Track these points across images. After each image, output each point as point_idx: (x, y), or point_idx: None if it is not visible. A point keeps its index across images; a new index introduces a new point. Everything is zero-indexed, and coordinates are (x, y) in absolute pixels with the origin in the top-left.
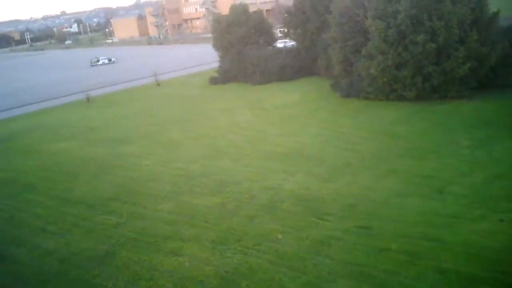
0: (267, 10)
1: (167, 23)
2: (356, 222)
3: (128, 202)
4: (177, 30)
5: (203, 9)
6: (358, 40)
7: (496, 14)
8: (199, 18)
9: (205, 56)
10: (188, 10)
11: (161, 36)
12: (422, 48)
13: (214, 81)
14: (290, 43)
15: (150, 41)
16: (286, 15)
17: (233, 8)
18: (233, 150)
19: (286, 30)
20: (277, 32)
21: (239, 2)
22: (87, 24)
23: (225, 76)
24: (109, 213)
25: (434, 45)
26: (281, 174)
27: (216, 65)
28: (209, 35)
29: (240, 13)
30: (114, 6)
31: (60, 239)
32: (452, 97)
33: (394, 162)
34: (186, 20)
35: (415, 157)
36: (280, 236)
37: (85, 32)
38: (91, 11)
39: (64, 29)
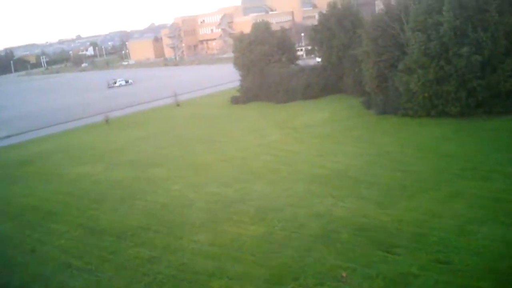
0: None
1: (183, 44)
2: (431, 255)
3: (161, 232)
4: (193, 51)
5: (219, 30)
6: (393, 54)
7: None
8: (215, 39)
9: (222, 76)
10: (204, 31)
11: (177, 58)
12: (466, 61)
13: (235, 100)
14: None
15: (166, 63)
16: (312, 31)
17: (256, 26)
18: (269, 172)
19: (310, 47)
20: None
21: (260, 21)
22: (102, 47)
23: (246, 95)
24: (140, 245)
25: (479, 57)
26: (328, 199)
27: (234, 85)
28: (225, 55)
29: (262, 31)
30: (128, 30)
31: (88, 276)
32: (498, 112)
33: (455, 184)
34: (202, 41)
35: (477, 178)
36: (344, 274)
37: (101, 55)
38: (106, 35)
39: (80, 52)
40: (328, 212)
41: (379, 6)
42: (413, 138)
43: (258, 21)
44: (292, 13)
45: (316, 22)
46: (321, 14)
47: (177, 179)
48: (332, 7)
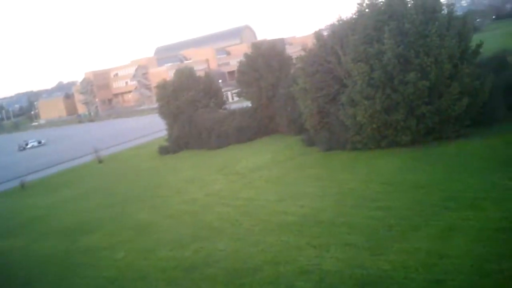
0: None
1: (97, 99)
2: None
3: None
4: (107, 106)
5: (134, 82)
6: (333, 88)
7: (479, 46)
8: (130, 91)
9: (145, 128)
10: (118, 85)
11: (92, 113)
12: (413, 87)
13: (165, 150)
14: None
15: (80, 119)
16: (239, 74)
17: (179, 72)
18: (229, 226)
19: (238, 90)
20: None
21: (180, 68)
22: (9, 109)
23: (176, 144)
24: None
25: (426, 83)
26: (310, 250)
27: (160, 135)
28: (143, 107)
29: (186, 77)
30: (35, 90)
31: None
32: (448, 137)
33: (444, 217)
34: (116, 95)
35: (465, 208)
36: None
37: (8, 118)
38: (12, 96)
39: None
40: (316, 267)
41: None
42: (373, 172)
43: (173, 71)
44: (207, 61)
45: (231, 69)
46: (246, 56)
47: (121, 245)
48: (257, 47)
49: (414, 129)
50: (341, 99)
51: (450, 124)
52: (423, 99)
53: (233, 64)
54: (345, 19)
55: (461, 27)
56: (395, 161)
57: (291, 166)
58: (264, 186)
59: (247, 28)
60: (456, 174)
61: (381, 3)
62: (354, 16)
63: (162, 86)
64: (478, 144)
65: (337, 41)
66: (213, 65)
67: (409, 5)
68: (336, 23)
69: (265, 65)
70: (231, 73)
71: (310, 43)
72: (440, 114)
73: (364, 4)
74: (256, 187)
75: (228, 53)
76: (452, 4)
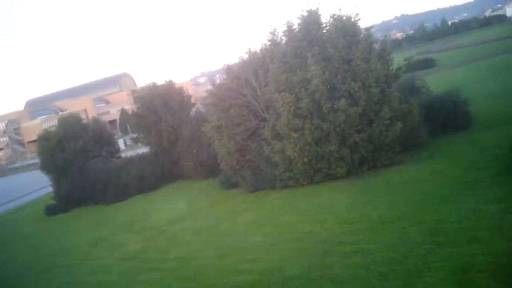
0: None
1: None
2: None
3: None
4: None
5: (5, 138)
6: (251, 122)
7: (400, 69)
8: (1, 148)
9: (22, 187)
10: None
11: None
12: (344, 115)
13: (52, 210)
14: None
15: None
16: (135, 118)
17: (63, 120)
18: None
19: (135, 136)
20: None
21: (64, 116)
22: None
23: (66, 201)
24: None
25: (358, 109)
26: None
27: (43, 192)
28: (17, 164)
29: (72, 125)
30: None
31: None
32: (383, 165)
33: (445, 255)
34: None
35: (463, 241)
36: None
37: None
38: None
39: None
40: None
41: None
42: (321, 211)
43: (49, 123)
44: (86, 111)
45: (112, 118)
46: (141, 98)
47: None
48: (153, 88)
49: (349, 160)
50: (263, 133)
51: (383, 151)
52: (355, 127)
53: (114, 112)
54: (258, 49)
55: (380, 50)
56: (340, 195)
57: (219, 213)
58: (196, 240)
59: (126, 75)
60: (421, 203)
61: (297, 29)
62: (267, 45)
63: (45, 138)
64: (421, 170)
65: (251, 72)
66: (92, 115)
67: (327, 29)
68: (246, 55)
69: (164, 107)
70: (112, 122)
71: (190, 88)
72: (373, 141)
73: (276, 33)
74: (186, 243)
75: (107, 102)
76: (371, 27)
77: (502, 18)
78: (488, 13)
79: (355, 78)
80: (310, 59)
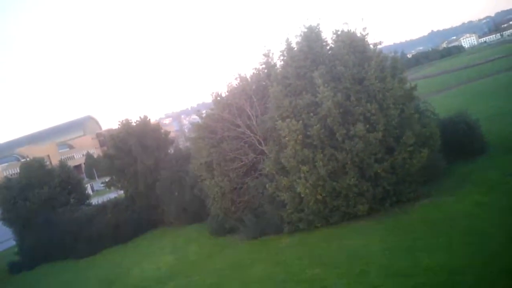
0: None
1: None
2: None
3: None
4: None
5: None
6: (248, 157)
7: (413, 88)
8: None
9: None
10: None
11: None
12: (363, 142)
13: (16, 267)
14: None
15: None
16: (106, 160)
17: (26, 166)
18: None
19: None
20: None
21: (27, 161)
22: None
23: (31, 257)
24: None
25: (378, 135)
26: None
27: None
28: None
29: (36, 170)
30: None
31: None
32: (407, 199)
33: None
34: None
35: None
36: None
37: None
38: None
39: None
40: None
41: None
42: (352, 260)
43: (10, 171)
44: (49, 156)
45: (76, 163)
46: (114, 137)
47: None
48: (127, 126)
49: (370, 195)
50: (263, 168)
51: (406, 183)
52: (375, 156)
53: (78, 157)
54: (250, 74)
55: (392, 68)
56: (370, 239)
57: (220, 266)
58: None
59: (90, 118)
60: (487, 245)
61: (297, 48)
62: (261, 68)
63: (5, 187)
64: (460, 203)
65: (244, 100)
66: (56, 161)
67: (334, 45)
68: (237, 81)
69: (140, 146)
70: (77, 167)
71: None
72: (396, 172)
73: (271, 54)
74: None
75: (71, 147)
76: (379, 42)
77: (460, 49)
78: (445, 44)
79: (370, 99)
80: (318, 80)
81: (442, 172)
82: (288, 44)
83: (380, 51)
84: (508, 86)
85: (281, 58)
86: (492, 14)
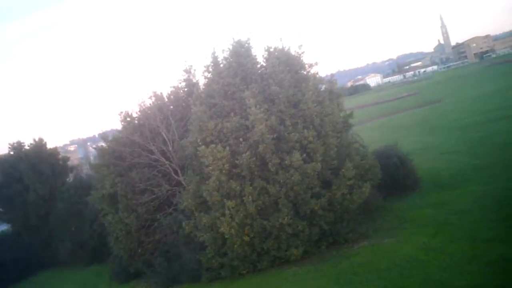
0: None
1: None
2: None
3: None
4: None
5: None
6: (162, 189)
7: (350, 115)
8: None
9: None
10: None
11: None
12: (299, 174)
13: None
14: None
15: None
16: None
17: None
18: None
19: None
20: None
21: None
22: None
23: None
24: None
25: (318, 166)
26: None
27: None
28: None
29: None
30: None
31: None
32: (345, 240)
33: None
34: None
35: None
36: None
37: None
38: None
39: None
40: None
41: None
42: None
43: None
44: None
45: None
46: (2, 162)
47: None
48: (18, 149)
49: (305, 236)
50: (179, 203)
51: (344, 221)
52: (312, 190)
53: None
54: (171, 90)
55: (328, 91)
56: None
57: None
58: None
59: None
60: None
61: (225, 64)
62: (181, 85)
63: None
64: (406, 246)
65: (159, 122)
66: None
67: (268, 62)
68: (151, 100)
69: (33, 172)
70: None
71: None
72: (334, 209)
73: (192, 71)
74: None
75: None
76: (316, 63)
77: (367, 87)
78: (350, 83)
79: (307, 124)
80: (250, 100)
81: (375, 209)
82: (214, 58)
83: (317, 72)
84: (423, 122)
85: (206, 74)
86: (395, 57)
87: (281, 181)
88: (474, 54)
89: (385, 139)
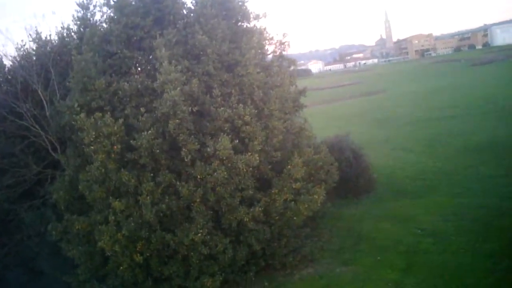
0: None
1: None
2: None
3: None
4: None
5: None
6: (30, 169)
7: (303, 92)
8: None
9: None
10: None
11: None
12: (228, 169)
13: None
14: None
15: None
16: None
17: None
18: None
19: None
20: None
21: None
22: None
23: None
24: None
25: (255, 158)
26: None
27: None
28: None
29: None
30: None
31: None
32: (281, 266)
33: None
34: None
35: None
36: None
37: None
38: None
39: None
40: None
41: None
42: None
43: None
44: None
45: None
46: None
47: None
48: None
49: (229, 259)
50: (50, 194)
51: (283, 239)
52: (242, 194)
53: None
54: (59, 31)
55: (278, 58)
56: None
57: None
58: None
59: None
60: None
61: None
62: (75, 25)
63: None
64: (368, 284)
65: (36, 72)
66: None
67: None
68: (32, 43)
69: None
70: None
71: None
72: (271, 222)
73: (92, 6)
74: None
75: None
76: (264, 14)
77: (308, 72)
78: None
79: (245, 98)
80: (162, 51)
81: (323, 217)
82: None
83: (264, 28)
84: (367, 113)
85: (105, 10)
86: (337, 47)
87: (199, 177)
88: (416, 51)
89: (329, 128)
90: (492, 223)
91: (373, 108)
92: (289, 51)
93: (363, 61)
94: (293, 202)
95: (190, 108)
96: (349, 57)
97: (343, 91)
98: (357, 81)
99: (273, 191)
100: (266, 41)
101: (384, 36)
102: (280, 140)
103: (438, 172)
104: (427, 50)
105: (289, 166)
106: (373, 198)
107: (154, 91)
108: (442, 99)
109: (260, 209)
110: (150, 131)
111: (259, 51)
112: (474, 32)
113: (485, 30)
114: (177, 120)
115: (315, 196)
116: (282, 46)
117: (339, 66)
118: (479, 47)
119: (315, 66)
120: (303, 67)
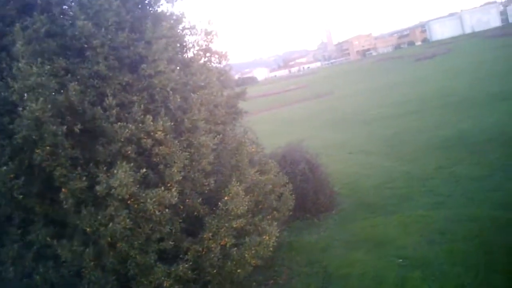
0: None
1: None
2: None
3: None
4: None
5: None
6: None
7: (242, 93)
8: None
9: None
10: None
11: None
12: (133, 214)
13: None
14: None
15: None
16: None
17: None
18: None
19: None
20: None
21: None
22: None
23: None
24: None
25: (172, 194)
26: None
27: None
28: None
29: None
30: None
31: None
32: None
33: None
34: None
35: None
36: None
37: None
38: None
39: None
40: None
41: None
42: None
43: None
44: None
45: None
46: None
47: None
48: None
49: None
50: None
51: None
52: (160, 245)
53: None
54: None
55: (204, 50)
56: None
57: None
58: None
59: None
60: None
61: None
62: None
63: None
64: None
65: None
66: None
67: None
68: None
69: None
70: None
71: None
72: (205, 277)
73: None
74: None
75: None
76: None
77: (254, 80)
78: (239, 75)
79: (155, 107)
80: (19, 46)
81: (279, 249)
82: None
83: (182, 13)
84: (318, 115)
85: None
86: (280, 53)
87: (87, 230)
88: (357, 51)
89: (278, 134)
90: (493, 241)
91: (323, 110)
92: (233, 60)
93: (307, 65)
94: (235, 249)
95: (66, 127)
96: (293, 62)
97: (291, 96)
98: (303, 85)
99: (205, 235)
100: (186, 31)
101: (325, 40)
102: (212, 162)
103: (407, 177)
104: (368, 49)
105: (226, 198)
106: (337, 218)
107: (15, 106)
108: (395, 96)
109: (187, 264)
110: (5, 168)
111: (177, 44)
112: (412, 29)
113: (423, 26)
114: (47, 148)
115: (265, 237)
116: (209, 37)
117: (284, 72)
118: (418, 43)
119: (260, 74)
120: (249, 75)
